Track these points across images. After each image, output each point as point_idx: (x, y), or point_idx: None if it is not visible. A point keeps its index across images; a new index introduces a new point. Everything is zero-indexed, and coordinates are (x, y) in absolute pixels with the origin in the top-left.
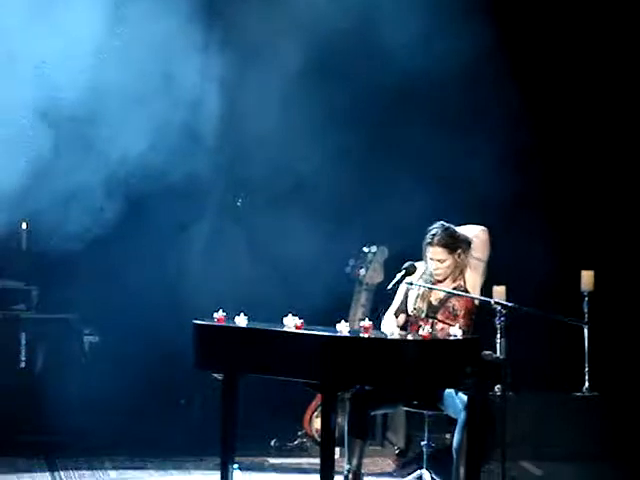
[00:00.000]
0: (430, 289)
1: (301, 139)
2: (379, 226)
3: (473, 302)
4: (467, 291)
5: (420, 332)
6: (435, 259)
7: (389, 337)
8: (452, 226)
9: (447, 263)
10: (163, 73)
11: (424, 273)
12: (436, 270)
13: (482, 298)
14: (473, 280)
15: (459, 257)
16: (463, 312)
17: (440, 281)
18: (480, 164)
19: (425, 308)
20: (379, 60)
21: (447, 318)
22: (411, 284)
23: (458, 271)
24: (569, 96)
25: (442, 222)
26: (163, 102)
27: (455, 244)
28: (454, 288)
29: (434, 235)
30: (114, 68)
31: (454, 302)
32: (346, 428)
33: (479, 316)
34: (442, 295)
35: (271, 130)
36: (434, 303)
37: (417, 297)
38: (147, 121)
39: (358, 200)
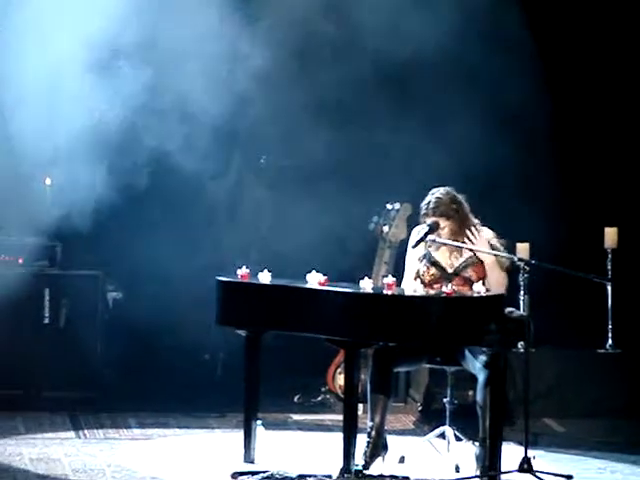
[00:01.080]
0: (453, 246)
1: (323, 103)
2: (399, 185)
3: (485, 272)
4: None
5: (443, 289)
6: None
7: (412, 294)
8: (439, 190)
9: (447, 230)
10: (198, 31)
11: (427, 255)
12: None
13: (505, 255)
14: (495, 278)
15: (457, 216)
16: (481, 281)
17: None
18: (498, 120)
19: (438, 277)
20: (383, 32)
21: (463, 286)
22: (434, 241)
23: (462, 231)
24: (584, 51)
25: (432, 191)
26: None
27: (448, 208)
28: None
29: (427, 207)
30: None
31: (470, 272)
32: (369, 385)
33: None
34: (457, 264)
35: (294, 93)
36: (449, 271)
37: (430, 265)
38: (176, 79)
39: (376, 160)
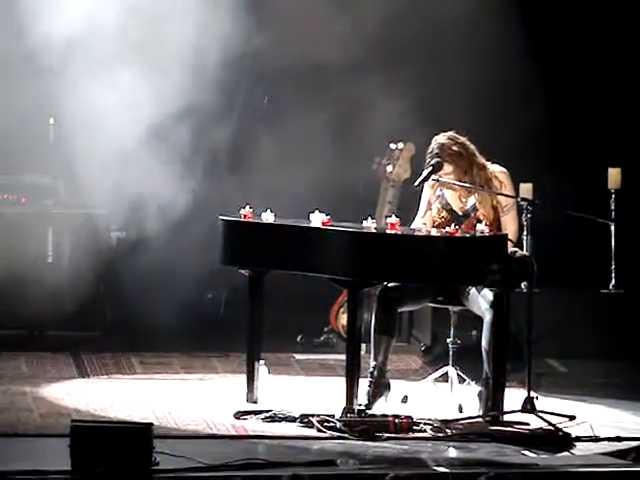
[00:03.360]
0: (456, 185)
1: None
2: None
3: (497, 213)
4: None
5: (447, 229)
6: (442, 174)
7: (416, 233)
8: (441, 136)
9: (454, 173)
10: None
11: (440, 196)
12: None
13: (508, 194)
14: (510, 224)
15: (462, 159)
16: (488, 223)
17: (455, 190)
18: (498, 63)
19: (449, 219)
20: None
21: (472, 228)
22: (437, 181)
23: (469, 173)
24: None
25: (435, 137)
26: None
27: (451, 152)
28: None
29: (431, 154)
30: None
31: (479, 214)
32: (372, 325)
33: None
34: (467, 207)
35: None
36: (459, 214)
37: (442, 208)
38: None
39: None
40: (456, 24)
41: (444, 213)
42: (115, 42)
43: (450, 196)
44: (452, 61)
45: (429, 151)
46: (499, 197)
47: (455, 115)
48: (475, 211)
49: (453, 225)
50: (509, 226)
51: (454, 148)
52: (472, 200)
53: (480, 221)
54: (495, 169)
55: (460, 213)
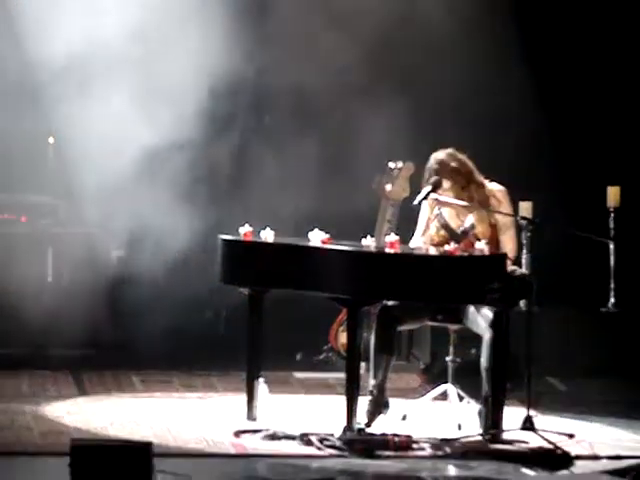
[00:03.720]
0: (456, 204)
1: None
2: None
3: (495, 231)
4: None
5: (446, 247)
6: (440, 191)
7: (415, 252)
8: (440, 153)
9: (452, 190)
10: None
11: (438, 215)
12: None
13: (508, 213)
14: (508, 242)
15: (460, 176)
16: (486, 241)
17: (453, 208)
18: (499, 76)
19: (447, 237)
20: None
21: (471, 247)
22: (437, 199)
23: (467, 190)
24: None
25: (434, 154)
26: None
27: (450, 169)
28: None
29: (429, 170)
30: None
31: (477, 232)
32: (372, 344)
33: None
34: (466, 226)
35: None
36: (457, 232)
37: (440, 227)
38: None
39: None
40: (453, 35)
41: (442, 231)
42: (115, 64)
43: (448, 214)
44: (450, 82)
45: (427, 167)
46: (497, 215)
47: (452, 134)
48: (473, 229)
49: (452, 243)
50: (507, 244)
51: (452, 165)
52: (470, 218)
53: (479, 239)
54: (493, 187)
55: (458, 231)
